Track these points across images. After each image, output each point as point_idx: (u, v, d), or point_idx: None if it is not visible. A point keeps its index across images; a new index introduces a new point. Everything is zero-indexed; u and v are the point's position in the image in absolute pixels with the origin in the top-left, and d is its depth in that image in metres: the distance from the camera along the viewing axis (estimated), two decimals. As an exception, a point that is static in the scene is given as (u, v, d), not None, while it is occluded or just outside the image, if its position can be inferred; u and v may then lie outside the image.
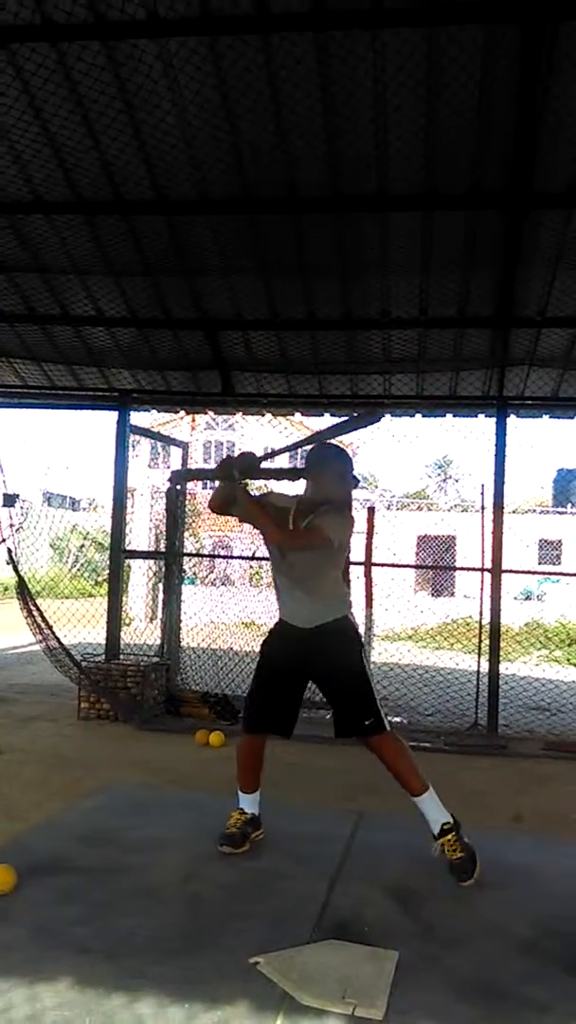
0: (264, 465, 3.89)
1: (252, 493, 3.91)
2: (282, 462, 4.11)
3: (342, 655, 3.75)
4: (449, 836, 3.60)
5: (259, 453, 3.81)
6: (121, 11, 4.35)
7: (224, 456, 3.77)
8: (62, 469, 35.56)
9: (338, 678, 3.77)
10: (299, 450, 4.22)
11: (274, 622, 4.00)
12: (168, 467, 17.30)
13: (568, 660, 13.08)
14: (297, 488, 4.02)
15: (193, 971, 2.67)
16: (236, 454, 3.82)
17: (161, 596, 8.17)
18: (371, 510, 7.95)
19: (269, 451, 3.85)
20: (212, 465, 4.21)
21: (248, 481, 3.92)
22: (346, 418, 3.92)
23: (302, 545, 3.73)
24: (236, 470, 3.71)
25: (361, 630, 7.39)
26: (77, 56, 4.71)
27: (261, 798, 3.92)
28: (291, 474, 4.15)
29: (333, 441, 4.06)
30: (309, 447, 4.02)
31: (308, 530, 3.70)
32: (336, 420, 7.56)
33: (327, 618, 3.78)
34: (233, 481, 3.73)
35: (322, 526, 3.66)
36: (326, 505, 3.76)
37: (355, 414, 3.87)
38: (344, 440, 4.16)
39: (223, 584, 21.24)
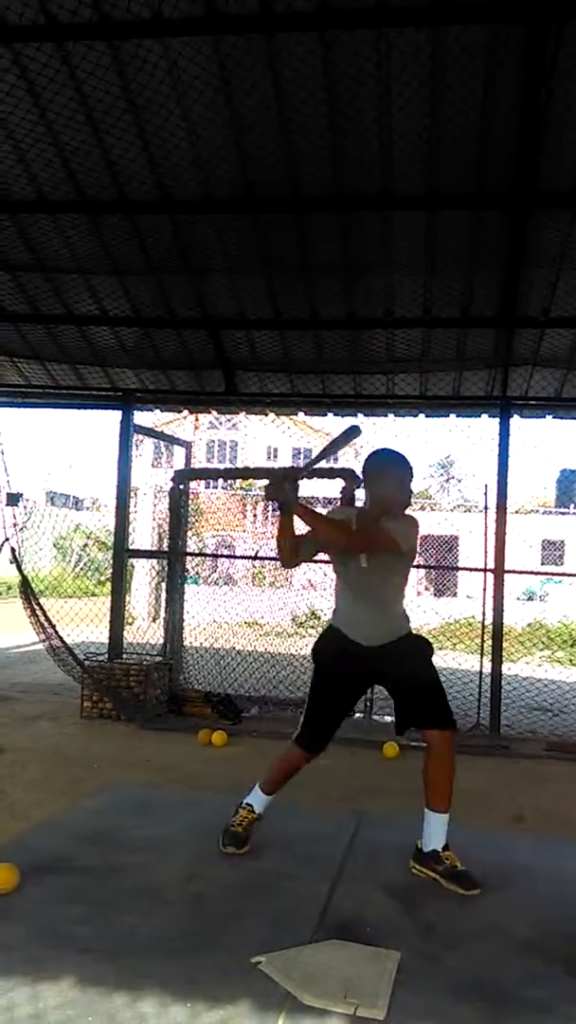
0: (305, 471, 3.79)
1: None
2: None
3: (413, 667, 3.66)
4: (451, 852, 3.57)
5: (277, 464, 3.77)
6: (126, 11, 4.36)
7: (228, 460, 3.71)
8: (65, 468, 35.61)
9: (411, 688, 3.68)
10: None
11: (322, 637, 3.86)
12: (171, 466, 17.32)
13: (571, 661, 13.07)
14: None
15: (195, 970, 2.67)
16: (277, 470, 3.70)
17: (164, 595, 8.18)
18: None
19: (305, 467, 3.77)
20: (215, 464, 4.20)
21: (253, 482, 3.88)
22: (330, 441, 3.80)
23: (368, 545, 3.59)
24: (288, 486, 3.54)
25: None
26: (82, 56, 4.72)
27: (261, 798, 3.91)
28: (329, 474, 4.09)
29: (387, 447, 3.93)
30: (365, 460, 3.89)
31: (374, 532, 3.58)
32: (340, 419, 7.62)
33: (395, 635, 3.69)
34: (285, 492, 3.53)
35: (389, 530, 3.56)
36: (385, 515, 3.64)
37: (337, 436, 3.77)
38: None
39: (226, 584, 21.26)
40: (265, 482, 3.70)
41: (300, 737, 3.77)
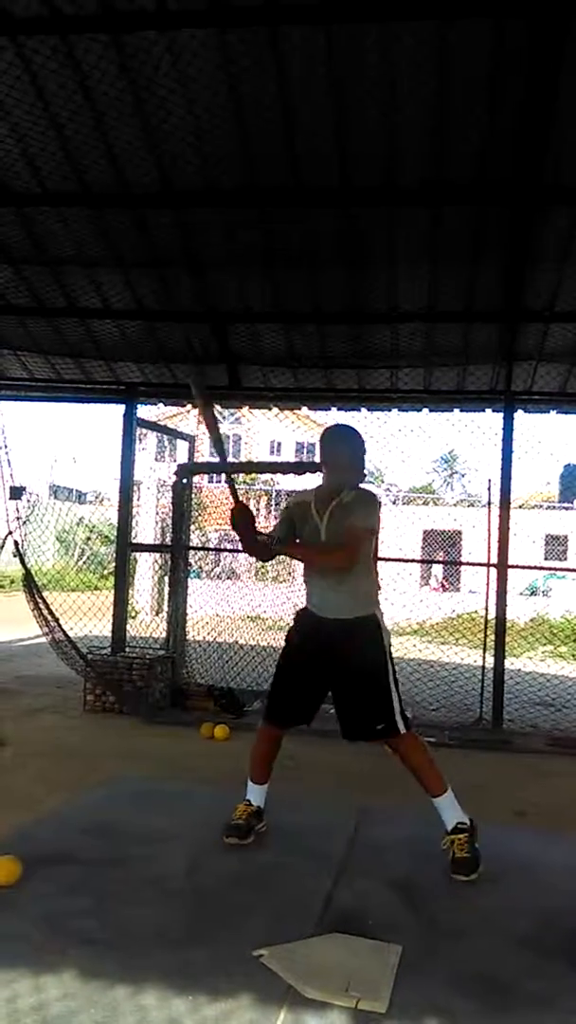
0: (266, 460, 3.89)
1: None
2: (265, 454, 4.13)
3: (363, 652, 3.68)
4: (462, 836, 3.59)
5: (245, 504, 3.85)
6: (130, 3, 4.35)
7: (232, 454, 3.77)
8: (69, 462, 35.59)
9: (356, 680, 3.70)
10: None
11: (296, 611, 3.98)
12: (174, 460, 17.32)
13: (573, 656, 13.06)
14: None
15: (197, 963, 2.67)
16: (232, 521, 3.76)
17: (167, 589, 8.18)
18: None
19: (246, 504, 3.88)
20: (218, 459, 4.20)
21: (244, 476, 3.95)
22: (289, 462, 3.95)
23: (350, 557, 3.65)
24: (251, 526, 3.74)
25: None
26: (86, 48, 4.71)
27: (267, 791, 3.92)
28: (297, 468, 4.15)
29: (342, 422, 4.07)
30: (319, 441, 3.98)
31: (349, 539, 3.65)
32: (341, 416, 7.61)
33: (354, 613, 3.72)
34: (263, 544, 3.81)
35: (356, 524, 3.64)
36: (346, 491, 3.73)
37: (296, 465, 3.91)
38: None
39: (229, 577, 21.26)
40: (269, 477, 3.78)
41: (265, 711, 3.96)
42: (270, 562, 3.96)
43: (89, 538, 22.67)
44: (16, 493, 7.58)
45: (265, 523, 26.07)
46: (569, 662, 12.18)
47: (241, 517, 3.73)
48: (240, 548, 4.01)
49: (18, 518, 7.49)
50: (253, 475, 23.64)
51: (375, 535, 3.80)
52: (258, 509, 25.77)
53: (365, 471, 3.89)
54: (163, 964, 2.65)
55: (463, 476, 46.78)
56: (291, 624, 3.97)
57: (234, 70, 4.76)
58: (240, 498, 3.90)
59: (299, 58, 4.66)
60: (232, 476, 4.15)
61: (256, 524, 3.79)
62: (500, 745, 6.26)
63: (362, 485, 3.85)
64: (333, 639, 3.70)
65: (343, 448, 3.80)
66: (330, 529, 3.73)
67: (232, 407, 9.24)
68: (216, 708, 6.83)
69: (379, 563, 6.26)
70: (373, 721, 3.67)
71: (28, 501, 7.99)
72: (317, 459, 3.94)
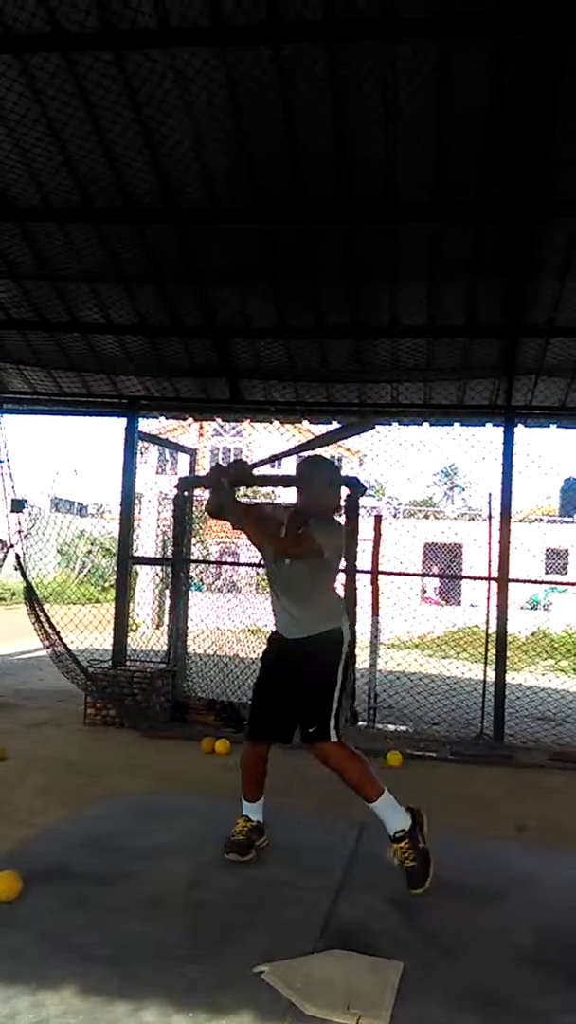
0: (258, 471, 3.91)
1: (243, 500, 3.92)
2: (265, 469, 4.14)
3: (316, 664, 3.75)
4: (402, 843, 3.56)
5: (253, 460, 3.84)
6: (133, 21, 4.39)
7: (218, 463, 3.77)
8: (70, 475, 35.64)
9: (304, 685, 3.78)
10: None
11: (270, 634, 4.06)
12: (176, 474, 17.33)
13: (574, 670, 13.04)
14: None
15: (197, 979, 2.66)
16: (229, 462, 3.85)
17: (168, 602, 8.18)
18: (378, 518, 7.95)
19: (263, 459, 3.87)
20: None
21: (244, 489, 3.95)
22: (342, 425, 3.93)
23: (291, 552, 3.75)
24: (226, 478, 3.75)
25: (367, 638, 7.42)
26: (89, 66, 4.75)
27: (266, 806, 3.92)
28: (283, 481, 4.18)
29: (319, 452, 4.12)
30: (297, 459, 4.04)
31: (297, 537, 3.74)
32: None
33: (313, 631, 3.79)
34: (223, 489, 3.75)
35: (312, 535, 3.69)
36: (314, 518, 3.77)
37: (351, 420, 3.91)
38: (351, 447, 4.17)
39: (230, 591, 21.24)
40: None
41: (246, 727, 4.01)
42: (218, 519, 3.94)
43: (90, 551, 22.66)
44: (17, 506, 7.59)
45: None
46: (570, 676, 12.16)
47: (236, 466, 3.80)
48: (239, 561, 4.04)
49: (19, 531, 7.50)
50: (254, 488, 23.64)
51: (333, 563, 3.89)
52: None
53: (336, 505, 3.98)
54: (164, 980, 2.64)
55: (463, 490, 46.81)
56: (265, 647, 4.05)
57: (236, 88, 4.80)
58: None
59: (301, 75, 4.70)
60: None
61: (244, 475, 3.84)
62: (501, 760, 6.24)
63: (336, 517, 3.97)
64: (294, 655, 3.81)
65: (320, 481, 3.85)
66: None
67: (233, 420, 9.25)
68: (217, 722, 6.81)
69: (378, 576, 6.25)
70: (307, 723, 3.71)
71: (29, 514, 8.00)
72: (367, 478, 3.99)
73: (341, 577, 6.71)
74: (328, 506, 3.87)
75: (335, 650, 3.79)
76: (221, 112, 4.96)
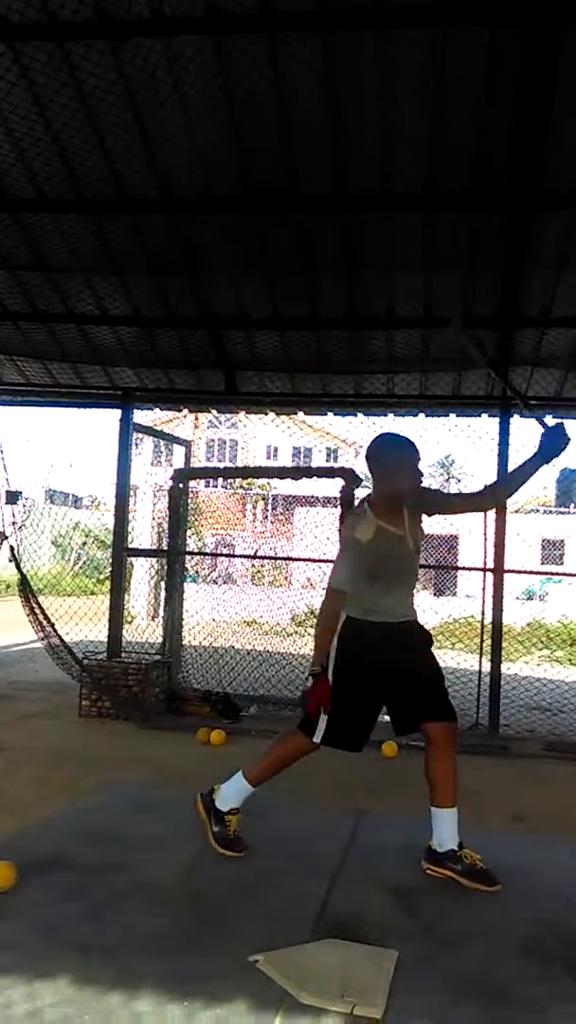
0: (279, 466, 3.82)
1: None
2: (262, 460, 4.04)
3: (426, 645, 3.79)
4: (468, 850, 3.56)
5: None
6: (127, 10, 4.36)
7: (228, 459, 3.69)
8: (65, 467, 35.60)
9: (426, 670, 3.75)
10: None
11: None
12: (171, 465, 17.34)
13: (570, 660, 13.07)
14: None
15: (192, 969, 2.67)
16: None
17: (163, 594, 8.18)
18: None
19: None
20: (215, 464, 4.20)
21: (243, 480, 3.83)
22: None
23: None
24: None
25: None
26: (82, 55, 4.73)
27: (262, 797, 3.90)
28: (293, 473, 4.14)
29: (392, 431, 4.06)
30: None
31: (459, 500, 3.94)
32: (337, 420, 7.62)
33: (412, 615, 3.79)
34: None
35: (449, 497, 3.88)
36: (408, 495, 3.63)
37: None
38: (347, 439, 4.14)
39: (225, 582, 21.25)
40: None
41: (324, 735, 3.59)
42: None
43: (85, 543, 22.66)
44: (12, 497, 7.58)
45: (262, 528, 26.06)
46: (565, 666, 12.18)
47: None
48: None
49: (14, 522, 7.49)
50: (250, 480, 23.62)
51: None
52: (254, 514, 25.76)
53: (421, 477, 3.73)
54: (158, 970, 2.64)
55: (460, 480, 46.82)
56: (344, 638, 3.61)
57: (231, 77, 4.78)
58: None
59: (296, 65, 4.68)
60: None
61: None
62: (497, 750, 6.26)
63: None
64: (404, 640, 3.70)
65: (395, 461, 3.63)
66: (412, 534, 3.67)
67: (229, 412, 9.23)
68: (212, 713, 6.82)
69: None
70: (446, 703, 3.76)
71: (24, 505, 7.98)
72: (364, 469, 3.92)
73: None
74: (409, 489, 3.64)
75: (429, 632, 3.87)
76: (215, 102, 4.94)
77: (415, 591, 3.87)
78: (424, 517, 3.76)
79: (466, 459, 44.76)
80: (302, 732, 3.68)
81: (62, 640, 7.21)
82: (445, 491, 3.64)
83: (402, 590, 3.75)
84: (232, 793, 3.75)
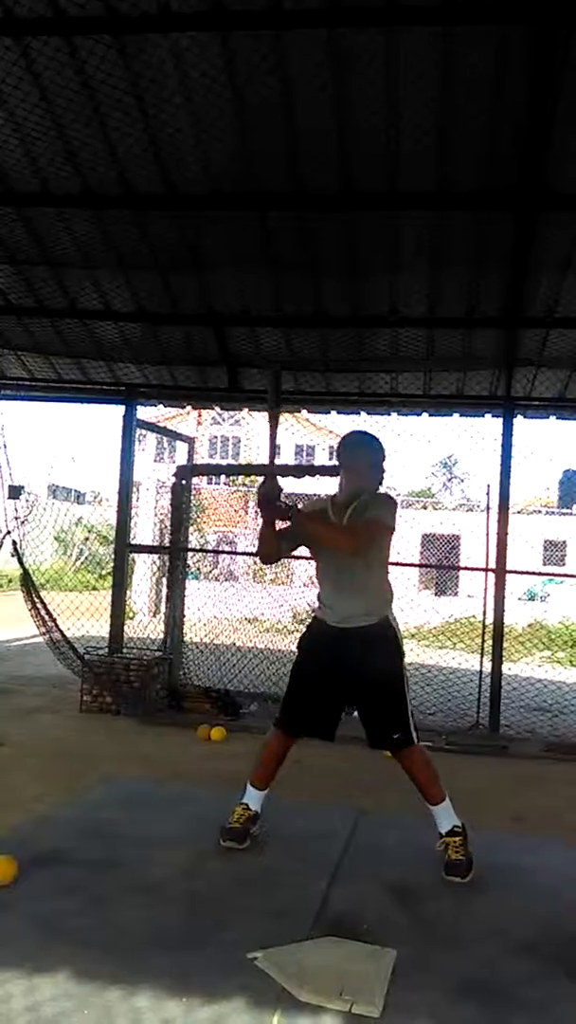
0: (282, 480, 3.85)
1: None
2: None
3: (381, 663, 3.68)
4: (457, 838, 3.62)
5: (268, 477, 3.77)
6: (133, 5, 4.35)
7: (231, 456, 3.73)
8: (68, 462, 35.59)
9: (373, 687, 3.70)
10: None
11: (309, 618, 3.97)
12: (174, 462, 17.34)
13: (571, 661, 13.07)
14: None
15: (191, 965, 2.67)
16: (259, 489, 3.73)
17: (165, 590, 8.18)
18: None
19: (281, 474, 3.81)
20: (218, 460, 4.21)
21: (243, 478, 3.89)
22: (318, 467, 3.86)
23: (369, 543, 3.61)
24: (276, 498, 3.63)
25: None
26: (89, 50, 4.71)
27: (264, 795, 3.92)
28: (296, 471, 4.15)
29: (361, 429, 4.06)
30: (339, 441, 3.97)
31: (368, 524, 3.61)
32: (341, 420, 7.61)
33: (370, 620, 3.70)
34: (283, 511, 3.64)
35: (379, 517, 3.62)
36: (366, 494, 3.72)
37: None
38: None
39: (227, 579, 21.25)
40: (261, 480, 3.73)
41: (279, 718, 3.87)
42: (272, 564, 3.87)
43: (87, 538, 22.64)
44: (15, 492, 7.58)
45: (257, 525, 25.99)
46: (566, 667, 12.18)
47: (271, 486, 3.68)
48: (254, 550, 3.99)
49: (16, 517, 7.49)
50: (252, 478, 23.60)
51: (391, 534, 3.77)
52: (257, 512, 25.73)
53: (383, 478, 3.86)
54: (158, 966, 2.65)
55: (462, 481, 46.84)
56: (301, 637, 3.92)
57: (237, 73, 4.77)
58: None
59: (302, 62, 4.66)
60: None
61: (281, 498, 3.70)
62: (497, 750, 6.26)
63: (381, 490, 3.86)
64: (350, 649, 3.67)
65: (363, 454, 3.81)
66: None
67: (232, 409, 9.23)
68: (213, 710, 6.83)
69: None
70: (390, 731, 3.68)
71: (27, 501, 7.98)
72: (335, 463, 3.94)
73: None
74: (375, 483, 3.80)
75: (393, 644, 3.73)
76: (221, 98, 4.92)
77: (375, 596, 3.78)
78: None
79: (469, 459, 44.76)
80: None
81: (64, 635, 7.21)
82: (380, 516, 3.65)
83: (347, 593, 3.73)
84: (246, 792, 3.85)
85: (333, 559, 3.74)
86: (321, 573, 3.85)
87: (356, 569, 3.69)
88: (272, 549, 3.84)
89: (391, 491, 3.76)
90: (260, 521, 3.85)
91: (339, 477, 3.89)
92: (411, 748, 3.69)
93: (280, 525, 3.74)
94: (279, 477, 3.81)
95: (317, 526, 3.72)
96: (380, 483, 3.85)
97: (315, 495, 3.98)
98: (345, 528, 3.69)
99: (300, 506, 3.86)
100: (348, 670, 3.70)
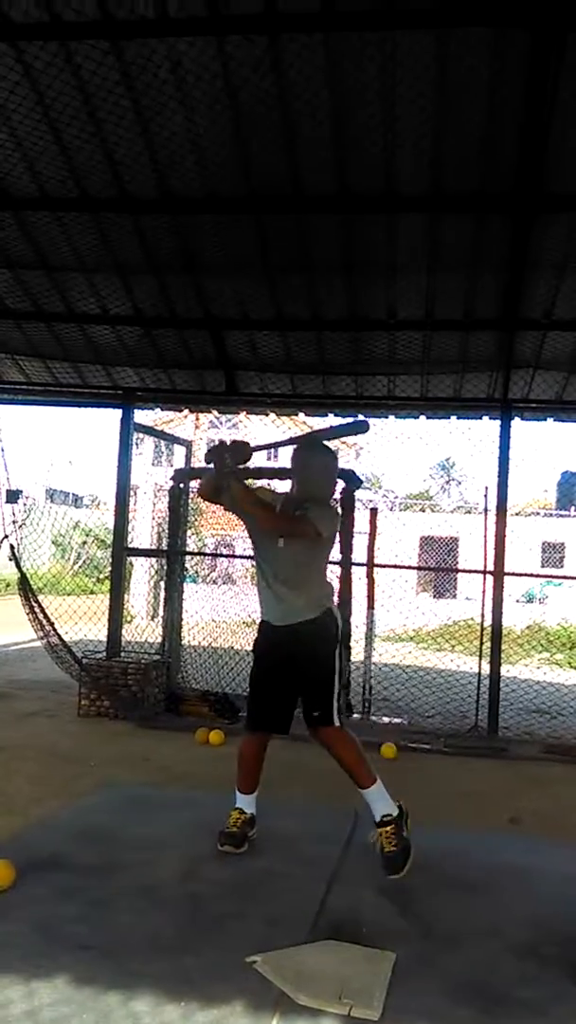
0: (255, 464, 3.89)
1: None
2: (262, 459, 4.11)
3: (314, 649, 3.79)
4: (388, 828, 3.64)
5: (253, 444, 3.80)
6: (130, 10, 4.35)
7: (221, 441, 3.74)
8: (65, 466, 35.59)
9: (305, 670, 3.81)
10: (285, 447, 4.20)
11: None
12: (171, 465, 17.33)
13: (569, 663, 13.07)
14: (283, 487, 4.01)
15: (190, 969, 2.67)
16: (230, 441, 3.80)
17: (163, 594, 8.18)
18: (374, 511, 7.94)
19: (264, 445, 3.85)
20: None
21: (253, 482, 3.90)
22: (340, 424, 3.87)
23: (291, 530, 3.74)
24: (228, 456, 3.70)
25: (362, 630, 7.43)
26: (86, 55, 4.72)
27: (261, 797, 3.93)
28: (280, 473, 4.17)
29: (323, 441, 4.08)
30: (293, 447, 4.03)
31: (298, 518, 3.73)
32: (338, 421, 7.60)
33: (305, 616, 3.81)
34: (225, 467, 3.71)
35: (311, 518, 3.70)
36: (310, 501, 3.79)
37: (349, 421, 3.88)
38: (348, 440, 4.17)
39: (225, 583, 21.23)
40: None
41: (246, 722, 4.01)
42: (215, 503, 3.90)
43: (85, 542, 22.64)
44: (12, 496, 7.58)
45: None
46: (565, 669, 12.18)
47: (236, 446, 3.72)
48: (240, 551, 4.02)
49: (14, 521, 7.49)
50: (250, 480, 23.58)
51: (327, 543, 3.88)
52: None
53: (334, 490, 4.00)
54: (156, 970, 2.64)
55: (460, 483, 46.83)
56: (256, 638, 4.04)
57: (233, 78, 4.78)
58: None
59: (298, 66, 4.67)
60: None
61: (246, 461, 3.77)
62: (495, 752, 6.26)
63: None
64: (288, 644, 3.81)
65: (314, 470, 3.87)
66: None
67: (229, 413, 9.24)
68: (211, 713, 6.82)
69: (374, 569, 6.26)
70: (311, 708, 3.77)
71: (24, 504, 7.99)
72: (362, 471, 4.00)
73: (337, 569, 6.73)
74: (324, 494, 3.89)
75: (331, 634, 3.84)
76: (218, 102, 4.93)
77: (309, 597, 3.85)
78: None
79: (466, 461, 44.77)
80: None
81: (61, 639, 7.21)
82: (317, 519, 3.71)
83: (283, 592, 3.82)
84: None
85: (270, 561, 3.85)
86: (259, 580, 3.96)
87: (288, 570, 3.81)
88: (211, 495, 3.88)
89: (371, 494, 3.80)
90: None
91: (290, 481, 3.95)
92: (330, 727, 3.75)
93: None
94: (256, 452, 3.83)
95: (248, 494, 3.80)
96: (331, 493, 3.99)
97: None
98: (273, 511, 3.79)
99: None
100: (292, 661, 3.82)
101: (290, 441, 4.04)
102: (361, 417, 7.02)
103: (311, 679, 3.80)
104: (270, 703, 3.90)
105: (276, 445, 4.06)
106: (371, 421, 7.51)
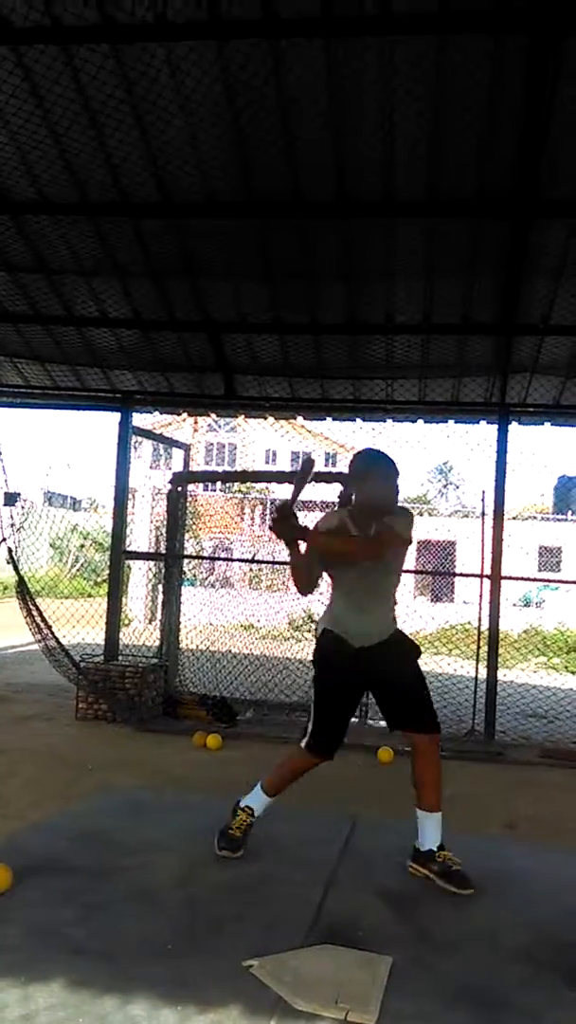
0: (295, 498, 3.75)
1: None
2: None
3: (407, 661, 3.73)
4: (446, 851, 3.60)
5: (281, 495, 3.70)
6: (130, 14, 4.36)
7: (227, 463, 3.67)
8: (63, 469, 35.57)
9: (400, 685, 3.71)
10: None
11: (305, 624, 3.95)
12: (170, 469, 17.36)
13: (566, 667, 13.08)
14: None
15: (187, 973, 2.67)
16: (272, 511, 3.65)
17: (160, 597, 8.18)
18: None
19: (292, 499, 3.69)
20: (214, 467, 4.18)
21: (240, 485, 3.80)
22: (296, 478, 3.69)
23: (383, 552, 3.57)
24: (290, 515, 3.53)
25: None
26: (85, 59, 4.73)
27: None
28: (292, 478, 4.08)
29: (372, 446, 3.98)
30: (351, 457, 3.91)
31: (384, 536, 3.55)
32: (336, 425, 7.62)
33: (392, 628, 3.78)
34: (299, 528, 3.54)
35: (398, 529, 3.57)
36: (385, 513, 3.63)
37: (300, 467, 3.74)
38: (345, 444, 4.15)
39: (223, 586, 21.25)
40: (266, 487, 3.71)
41: (312, 743, 3.75)
42: (310, 593, 3.77)
43: (83, 545, 22.63)
44: (10, 499, 7.58)
45: (260, 531, 26.01)
46: (562, 674, 12.19)
47: (287, 512, 3.57)
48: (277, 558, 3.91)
49: (12, 524, 7.48)
50: (248, 484, 23.61)
51: (405, 546, 3.74)
52: (253, 518, 25.76)
53: (398, 495, 3.76)
54: (153, 974, 2.64)
55: (457, 487, 46.87)
56: (318, 656, 3.80)
57: (233, 82, 4.79)
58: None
59: (298, 71, 4.69)
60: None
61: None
62: (492, 757, 6.26)
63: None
64: (371, 664, 3.69)
65: (378, 476, 3.69)
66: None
67: (228, 416, 9.24)
68: (209, 717, 6.82)
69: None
70: (427, 715, 3.71)
71: (22, 507, 7.98)
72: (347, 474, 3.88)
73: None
74: (393, 500, 3.70)
75: (414, 644, 3.82)
76: (217, 107, 4.95)
77: (390, 611, 3.82)
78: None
79: (464, 466, 44.81)
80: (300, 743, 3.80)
81: (59, 642, 7.20)
82: (403, 528, 3.61)
83: (369, 609, 3.72)
84: (253, 796, 3.84)
85: (356, 577, 3.68)
86: (338, 590, 3.79)
87: (378, 581, 3.71)
88: (306, 579, 3.74)
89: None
90: (288, 554, 3.70)
91: (352, 492, 3.84)
92: (437, 735, 3.74)
93: (302, 547, 3.65)
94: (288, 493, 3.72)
95: (330, 539, 3.69)
96: (396, 499, 3.75)
97: (310, 501, 3.89)
98: (355, 542, 3.65)
99: (316, 523, 3.81)
100: (374, 677, 3.73)
101: (283, 478, 3.90)
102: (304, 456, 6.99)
103: (414, 692, 3.70)
104: (342, 727, 3.80)
105: (271, 477, 3.93)
106: (369, 425, 7.58)
